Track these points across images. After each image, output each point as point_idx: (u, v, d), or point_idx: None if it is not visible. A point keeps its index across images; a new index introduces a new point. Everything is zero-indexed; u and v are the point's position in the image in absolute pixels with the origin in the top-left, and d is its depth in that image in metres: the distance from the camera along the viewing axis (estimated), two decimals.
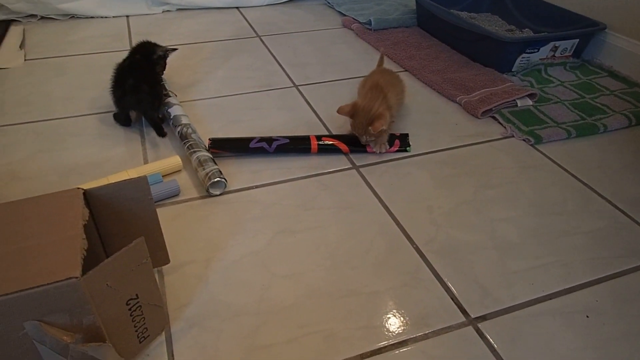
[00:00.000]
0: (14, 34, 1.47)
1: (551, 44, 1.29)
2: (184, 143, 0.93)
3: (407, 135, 0.99)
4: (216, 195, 0.85)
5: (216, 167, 0.86)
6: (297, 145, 0.95)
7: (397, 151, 0.97)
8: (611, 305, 0.67)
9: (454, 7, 1.61)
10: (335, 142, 0.96)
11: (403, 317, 0.64)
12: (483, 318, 0.65)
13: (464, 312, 0.65)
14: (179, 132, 0.96)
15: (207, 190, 0.85)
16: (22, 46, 1.39)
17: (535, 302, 0.67)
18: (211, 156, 0.89)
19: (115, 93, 1.00)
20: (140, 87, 0.97)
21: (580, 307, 0.67)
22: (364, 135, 0.93)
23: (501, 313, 0.65)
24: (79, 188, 0.57)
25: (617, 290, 0.69)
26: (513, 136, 1.04)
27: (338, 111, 0.94)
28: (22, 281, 0.45)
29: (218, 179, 0.84)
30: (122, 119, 1.04)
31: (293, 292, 0.67)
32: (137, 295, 0.54)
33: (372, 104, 0.92)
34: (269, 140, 0.94)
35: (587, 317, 0.65)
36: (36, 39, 1.44)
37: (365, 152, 0.97)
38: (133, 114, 1.04)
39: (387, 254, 0.74)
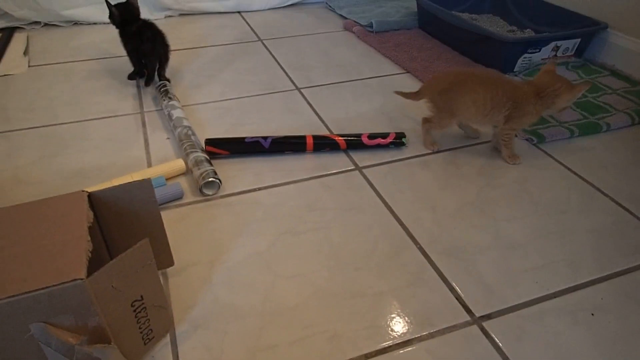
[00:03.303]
0: (18, 40, 1.48)
1: (552, 44, 1.29)
2: (182, 144, 0.94)
3: (403, 133, 0.99)
4: (215, 198, 0.85)
5: (211, 167, 0.86)
6: (292, 141, 0.96)
7: (393, 143, 0.98)
8: (617, 303, 0.67)
9: (455, 9, 1.61)
10: (332, 136, 0.97)
11: (407, 317, 0.64)
12: (488, 317, 0.64)
13: (468, 311, 0.65)
14: (178, 133, 0.97)
15: (201, 190, 0.85)
16: (26, 53, 1.40)
17: (540, 301, 0.67)
18: (207, 157, 0.90)
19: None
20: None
21: (585, 305, 0.66)
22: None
23: (506, 312, 0.65)
24: (83, 190, 0.57)
25: (623, 288, 0.69)
26: (516, 136, 1.04)
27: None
28: (28, 283, 0.45)
29: (212, 178, 0.84)
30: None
31: (297, 293, 0.67)
32: (142, 296, 0.54)
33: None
34: (265, 137, 0.95)
35: (593, 315, 0.65)
36: (40, 46, 1.46)
37: (362, 148, 0.98)
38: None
39: (391, 255, 0.74)
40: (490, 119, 0.92)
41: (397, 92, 1.03)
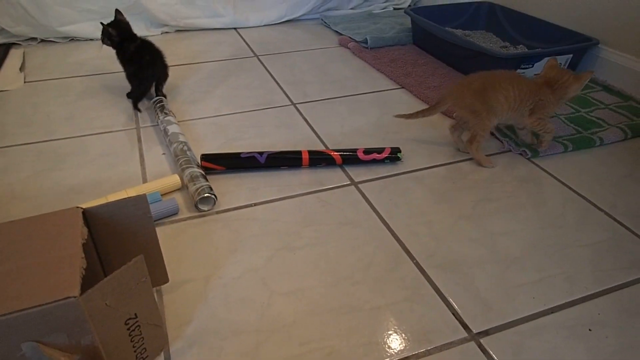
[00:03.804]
0: (14, 56, 1.48)
1: (545, 60, 1.30)
2: (177, 159, 0.94)
3: (398, 148, 0.99)
4: (211, 213, 0.84)
5: (207, 183, 0.86)
6: (288, 156, 0.96)
7: (388, 158, 0.98)
8: (614, 318, 0.67)
9: (449, 25, 1.63)
10: (327, 151, 0.97)
11: (405, 334, 0.64)
12: (485, 333, 0.64)
13: (465, 327, 0.65)
14: (174, 149, 0.97)
15: (196, 206, 0.85)
16: (22, 68, 1.40)
17: (537, 316, 0.67)
18: (203, 173, 0.90)
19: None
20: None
21: (583, 320, 0.66)
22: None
23: (503, 328, 0.65)
24: (78, 207, 0.57)
25: (620, 303, 0.69)
26: (510, 150, 1.04)
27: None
28: (20, 301, 0.44)
29: (207, 194, 0.84)
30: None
31: (293, 309, 0.67)
32: (136, 314, 0.53)
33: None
34: (260, 152, 0.95)
35: (590, 330, 0.65)
36: (36, 62, 1.46)
37: (358, 164, 0.98)
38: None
39: (387, 270, 0.74)
40: (517, 112, 0.97)
41: (399, 115, 1.05)
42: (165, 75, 1.21)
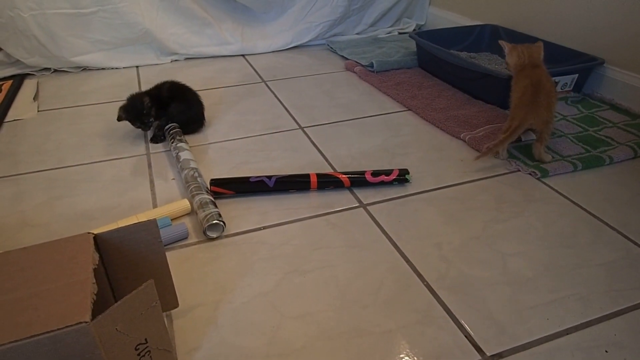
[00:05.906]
0: (28, 86, 1.52)
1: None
2: (188, 186, 0.94)
3: (406, 170, 0.99)
4: (220, 238, 0.85)
5: (216, 209, 0.87)
6: (296, 179, 0.97)
7: (396, 180, 0.98)
8: (631, 338, 0.65)
9: (454, 48, 1.65)
10: (335, 174, 0.98)
11: (417, 357, 0.63)
12: (499, 356, 0.63)
13: (479, 350, 0.64)
14: (185, 175, 0.98)
15: (205, 233, 0.85)
16: (35, 98, 1.44)
17: (552, 338, 0.65)
18: (212, 199, 0.90)
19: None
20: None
21: (599, 341, 0.65)
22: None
23: (518, 350, 0.64)
24: (89, 233, 0.57)
25: (636, 323, 0.68)
26: (519, 170, 1.04)
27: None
28: (32, 327, 0.45)
29: (216, 221, 0.84)
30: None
31: (304, 333, 0.66)
32: (146, 339, 0.53)
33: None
34: (269, 176, 0.96)
35: (606, 351, 0.63)
36: (50, 91, 1.50)
37: (366, 186, 0.98)
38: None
39: (397, 292, 0.73)
40: None
41: (482, 154, 1.05)
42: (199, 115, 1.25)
